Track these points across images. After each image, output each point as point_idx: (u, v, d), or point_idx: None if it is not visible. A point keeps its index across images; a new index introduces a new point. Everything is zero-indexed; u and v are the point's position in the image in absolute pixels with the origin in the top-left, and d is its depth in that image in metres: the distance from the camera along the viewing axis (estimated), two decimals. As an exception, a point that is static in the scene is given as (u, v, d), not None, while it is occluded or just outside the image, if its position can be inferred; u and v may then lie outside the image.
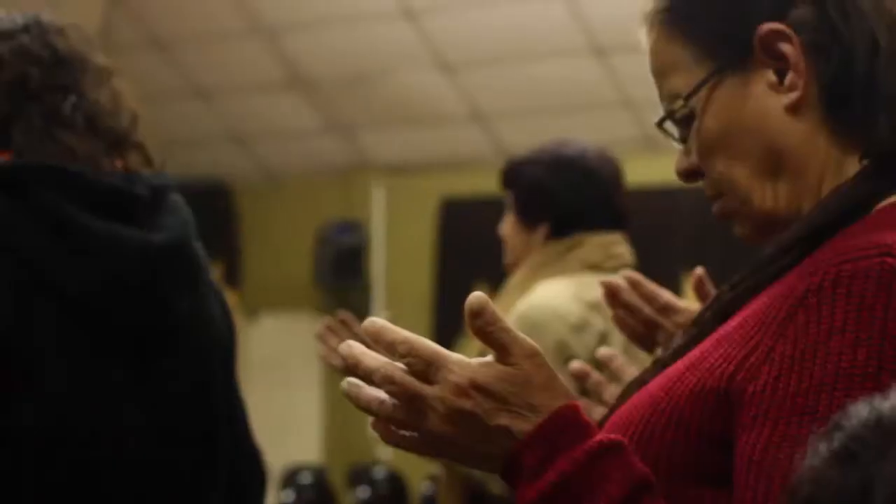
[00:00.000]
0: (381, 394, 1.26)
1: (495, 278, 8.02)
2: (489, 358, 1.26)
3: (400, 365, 1.25)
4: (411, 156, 8.74)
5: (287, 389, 8.70)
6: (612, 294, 1.87)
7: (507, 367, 1.25)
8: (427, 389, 1.24)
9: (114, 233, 1.82)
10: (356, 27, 7.82)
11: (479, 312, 1.24)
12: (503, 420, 1.24)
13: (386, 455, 8.25)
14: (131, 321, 1.83)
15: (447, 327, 8.13)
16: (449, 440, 1.26)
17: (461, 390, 1.23)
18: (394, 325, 1.27)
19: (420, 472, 7.42)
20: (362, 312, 8.27)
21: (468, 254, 8.51)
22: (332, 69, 8.16)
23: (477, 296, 1.25)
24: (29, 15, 1.98)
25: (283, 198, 9.12)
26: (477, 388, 1.24)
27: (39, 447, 1.76)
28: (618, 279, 1.88)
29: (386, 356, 1.26)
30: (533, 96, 8.00)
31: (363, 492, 7.90)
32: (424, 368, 1.24)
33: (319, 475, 8.07)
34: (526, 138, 7.94)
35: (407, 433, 1.28)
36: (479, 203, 8.34)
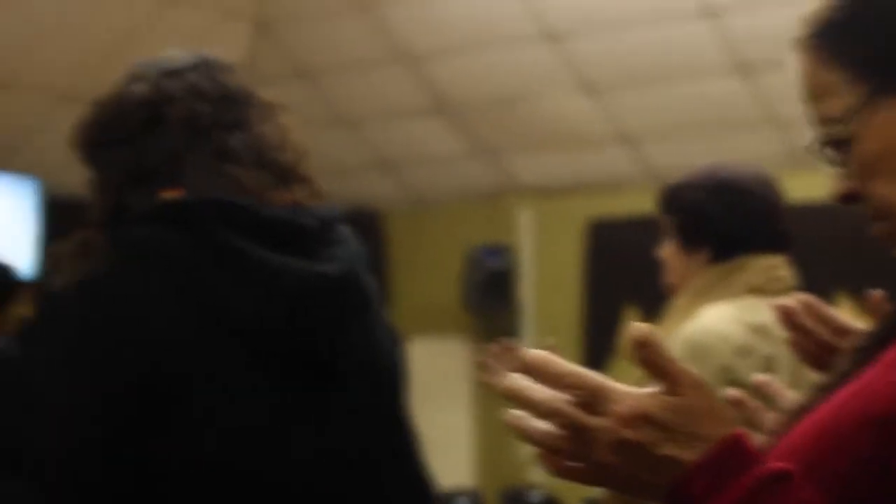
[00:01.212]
0: (546, 425, 1.27)
1: (644, 300, 8.03)
2: (653, 388, 1.25)
3: (565, 396, 1.26)
4: (558, 178, 8.73)
5: (437, 413, 8.73)
6: (786, 317, 1.84)
7: (672, 396, 1.25)
8: (593, 421, 1.24)
9: (284, 265, 1.84)
10: (499, 51, 7.83)
11: (644, 343, 1.24)
12: (670, 450, 1.24)
13: (540, 478, 8.23)
14: (302, 352, 1.85)
15: (596, 350, 8.11)
16: (615, 471, 1.26)
17: (627, 421, 1.24)
18: (556, 356, 1.27)
19: (575, 495, 7.40)
20: (511, 336, 8.28)
21: (616, 276, 8.48)
22: (477, 93, 8.18)
23: (641, 326, 1.25)
24: (196, 53, 2.02)
25: (431, 222, 9.16)
26: (643, 418, 1.24)
27: (211, 477, 1.78)
28: (790, 301, 1.85)
29: (548, 387, 1.26)
30: (678, 115, 7.95)
31: (519, 515, 7.91)
32: (590, 400, 1.25)
33: (475, 499, 8.08)
34: (673, 158, 7.95)
35: (573, 464, 1.28)
36: (627, 224, 8.31)
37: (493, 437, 8.76)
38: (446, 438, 8.75)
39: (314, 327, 1.85)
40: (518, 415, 1.28)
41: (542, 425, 1.27)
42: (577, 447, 1.26)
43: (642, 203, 8.49)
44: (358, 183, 8.77)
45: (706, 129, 7.86)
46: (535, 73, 7.93)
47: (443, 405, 8.79)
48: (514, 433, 1.29)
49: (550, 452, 1.28)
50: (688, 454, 1.24)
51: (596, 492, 4.65)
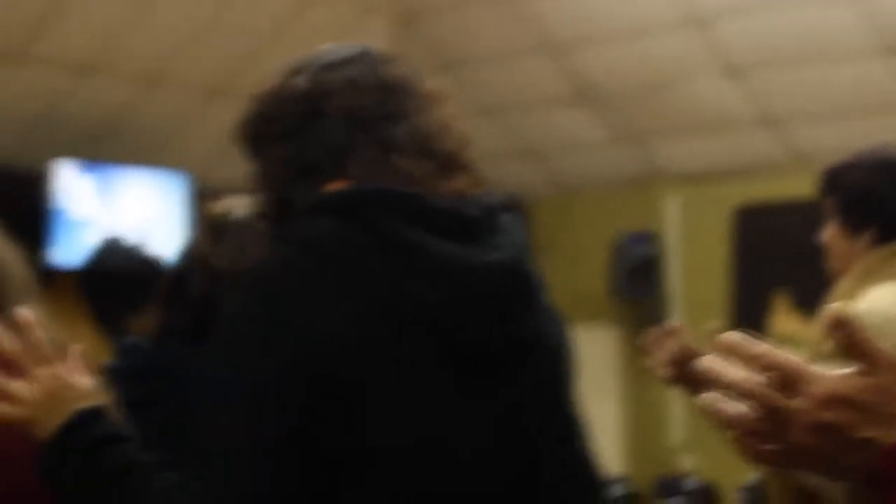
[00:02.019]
0: (741, 408, 1.25)
1: (794, 286, 7.93)
2: (849, 369, 1.24)
3: (761, 378, 1.24)
4: (704, 163, 8.65)
5: (585, 401, 8.70)
6: None
7: (869, 377, 1.23)
8: (790, 403, 1.23)
9: (451, 253, 1.84)
10: (643, 38, 7.79)
11: (841, 324, 1.23)
12: (868, 432, 1.23)
13: (691, 465, 8.17)
14: (473, 342, 1.85)
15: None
16: (811, 453, 1.25)
17: (824, 403, 1.22)
18: (751, 338, 1.26)
19: (732, 482, 7.33)
20: (658, 323, 8.20)
21: (765, 261, 8.38)
22: (622, 80, 8.14)
23: (837, 307, 1.24)
24: (357, 45, 2.03)
25: (577, 210, 9.14)
26: (841, 400, 1.22)
27: (382, 467, 1.79)
28: None
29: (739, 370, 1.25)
30: (825, 97, 7.84)
31: (676, 503, 7.84)
32: (786, 381, 1.23)
33: (629, 487, 8.04)
34: (820, 141, 7.85)
35: (768, 446, 1.27)
36: (775, 208, 8.21)
37: (643, 424, 8.71)
38: (595, 426, 8.70)
39: (484, 316, 1.85)
40: (713, 397, 1.27)
41: (737, 407, 1.26)
42: (773, 429, 1.25)
43: (790, 187, 8.41)
44: (504, 172, 8.77)
45: (854, 111, 7.74)
46: (679, 58, 7.87)
47: (591, 393, 8.71)
48: (708, 416, 1.28)
49: (745, 435, 1.27)
50: (887, 436, 1.22)
51: (753, 478, 4.59)
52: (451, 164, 1.95)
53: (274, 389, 1.76)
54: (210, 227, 2.77)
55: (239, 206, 2.73)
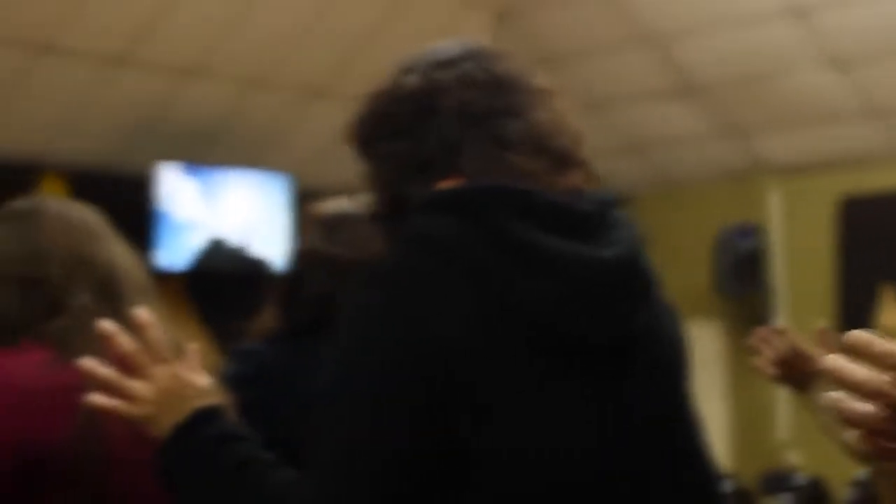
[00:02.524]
0: (868, 406, 1.24)
1: (900, 277, 7.83)
2: None
3: (887, 377, 1.23)
4: (808, 155, 8.57)
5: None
6: None
7: None
8: None
9: (567, 250, 1.83)
10: (745, 29, 7.73)
11: None
12: None
13: (798, 460, 8.10)
14: (589, 340, 1.84)
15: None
16: None
17: None
18: (879, 338, 1.24)
19: (840, 478, 7.25)
20: (763, 318, 8.16)
21: (871, 253, 8.29)
22: (724, 73, 8.09)
23: None
24: (467, 42, 2.02)
25: (680, 204, 9.09)
26: None
27: (496, 468, 1.78)
28: None
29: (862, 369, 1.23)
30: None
31: (784, 499, 7.76)
32: None
33: (737, 483, 7.98)
34: (928, 131, 7.75)
35: (893, 445, 1.25)
36: (881, 199, 8.12)
37: (749, 420, 8.64)
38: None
39: (599, 313, 1.84)
40: (840, 395, 1.25)
41: (864, 406, 1.24)
42: None
43: (895, 178, 8.31)
44: (605, 166, 8.73)
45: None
46: (781, 50, 7.80)
47: (696, 389, 8.69)
48: (834, 414, 1.26)
49: (870, 434, 1.25)
50: None
51: (863, 473, 4.54)
52: (565, 160, 1.94)
53: (391, 389, 1.76)
54: (325, 226, 2.78)
55: (349, 205, 2.74)
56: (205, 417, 1.95)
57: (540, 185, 1.88)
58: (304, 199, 8.10)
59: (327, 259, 2.74)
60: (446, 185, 1.90)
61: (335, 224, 2.77)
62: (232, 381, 2.48)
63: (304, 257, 2.83)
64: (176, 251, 7.79)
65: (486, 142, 1.91)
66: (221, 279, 7.55)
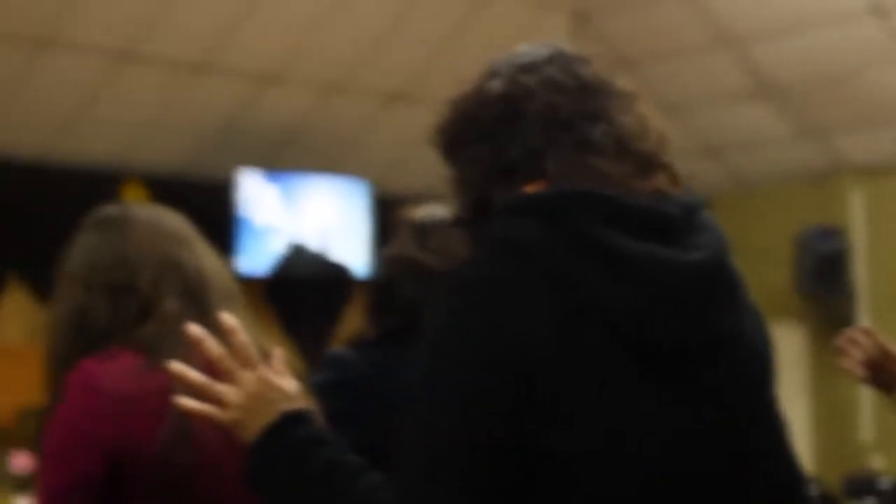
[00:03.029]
0: None
1: None
2: None
3: None
4: (890, 155, 8.49)
5: (773, 400, 8.59)
6: None
7: None
8: None
9: (652, 254, 1.82)
10: (824, 29, 7.67)
11: None
12: None
13: (881, 464, 8.02)
14: (675, 343, 1.83)
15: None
16: None
17: None
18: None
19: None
20: (845, 320, 8.08)
21: (955, 253, 8.21)
22: (802, 73, 8.03)
23: None
24: (550, 46, 2.02)
25: (759, 206, 9.03)
26: None
27: (573, 473, 1.78)
28: None
29: None
30: None
31: (869, 503, 7.70)
32: None
33: (820, 487, 7.91)
34: None
35: None
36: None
37: (832, 423, 8.57)
38: (783, 426, 8.59)
39: (686, 317, 1.83)
40: None
41: None
42: None
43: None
44: (684, 168, 8.68)
45: None
46: (862, 49, 7.74)
47: (779, 392, 8.63)
48: None
49: None
50: None
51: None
52: (649, 163, 1.94)
53: (476, 393, 1.76)
54: (416, 232, 2.79)
55: (441, 211, 2.74)
56: (293, 421, 1.96)
57: (624, 189, 1.87)
58: (383, 205, 8.13)
59: (418, 266, 2.75)
60: (531, 188, 1.90)
61: (427, 230, 2.78)
62: (323, 387, 2.49)
63: (395, 263, 2.83)
64: (256, 257, 7.84)
65: (570, 146, 1.91)
66: (302, 285, 7.58)
